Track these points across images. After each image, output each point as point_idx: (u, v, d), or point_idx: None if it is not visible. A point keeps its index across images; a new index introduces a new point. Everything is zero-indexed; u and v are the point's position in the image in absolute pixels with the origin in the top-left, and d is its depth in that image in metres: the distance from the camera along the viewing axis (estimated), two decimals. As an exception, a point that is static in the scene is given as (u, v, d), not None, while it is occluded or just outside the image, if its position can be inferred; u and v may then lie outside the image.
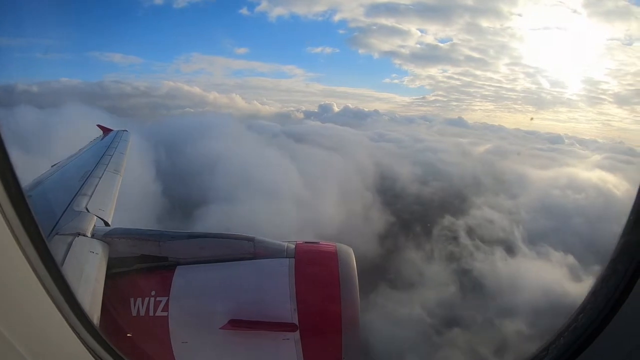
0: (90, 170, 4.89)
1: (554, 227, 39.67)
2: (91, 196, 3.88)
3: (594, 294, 1.20)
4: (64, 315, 1.30)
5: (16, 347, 1.09)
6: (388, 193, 44.68)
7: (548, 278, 31.49)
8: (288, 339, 2.43)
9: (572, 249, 35.37)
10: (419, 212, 41.34)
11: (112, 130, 8.45)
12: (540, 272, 32.78)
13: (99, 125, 8.78)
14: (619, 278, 1.14)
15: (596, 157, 78.15)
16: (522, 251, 36.89)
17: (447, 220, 39.86)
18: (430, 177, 50.86)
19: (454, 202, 44.57)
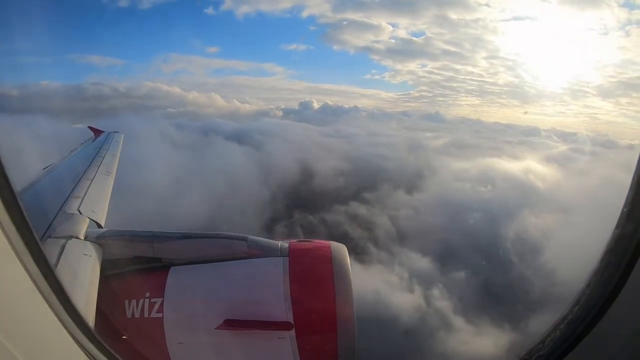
0: (82, 173, 4.85)
1: (433, 225, 37.45)
2: (83, 198, 3.85)
3: (589, 286, 1.21)
4: (59, 318, 1.29)
5: (11, 350, 1.08)
6: (287, 189, 43.91)
7: (363, 286, 27.17)
8: (283, 337, 2.43)
9: (439, 250, 32.76)
10: (294, 207, 40.37)
11: (103, 132, 8.40)
12: (359, 278, 28.41)
13: (90, 127, 8.71)
14: (613, 270, 1.15)
15: (562, 148, 79.13)
16: (365, 251, 33.85)
17: (298, 215, 38.53)
18: (346, 172, 50.46)
19: (337, 196, 43.37)
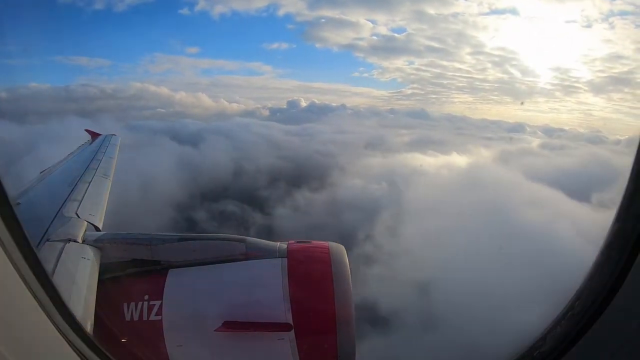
0: (79, 176, 4.83)
1: (303, 224, 36.43)
2: (81, 201, 3.84)
3: (589, 280, 1.20)
4: (55, 324, 1.27)
5: (6, 356, 1.06)
6: (189, 188, 42.97)
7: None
8: (283, 338, 2.42)
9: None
10: (175, 205, 39.53)
11: (100, 134, 8.37)
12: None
13: (87, 130, 8.68)
14: (613, 264, 1.14)
15: (533, 145, 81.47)
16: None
17: (173, 212, 37.71)
18: (266, 171, 50.19)
19: (223, 194, 42.72)
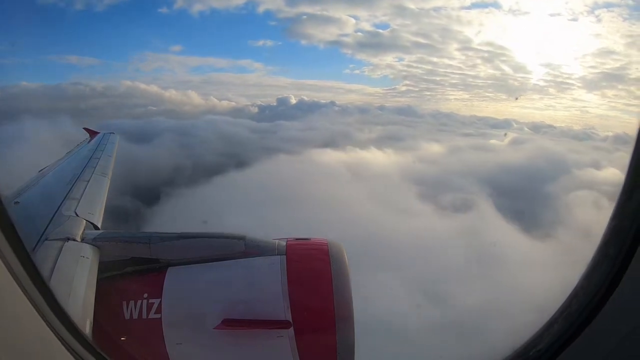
0: (78, 174, 4.83)
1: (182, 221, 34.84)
2: (80, 200, 3.84)
3: (586, 278, 1.20)
4: (51, 327, 1.27)
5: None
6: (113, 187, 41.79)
7: None
8: (282, 336, 2.43)
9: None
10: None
11: (98, 133, 8.36)
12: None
13: (85, 129, 8.67)
14: (610, 262, 1.14)
15: (507, 140, 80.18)
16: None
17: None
18: (203, 167, 48.99)
19: (128, 192, 40.41)
